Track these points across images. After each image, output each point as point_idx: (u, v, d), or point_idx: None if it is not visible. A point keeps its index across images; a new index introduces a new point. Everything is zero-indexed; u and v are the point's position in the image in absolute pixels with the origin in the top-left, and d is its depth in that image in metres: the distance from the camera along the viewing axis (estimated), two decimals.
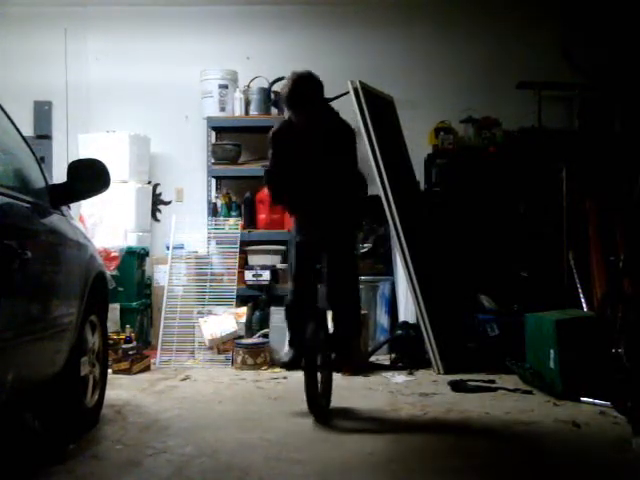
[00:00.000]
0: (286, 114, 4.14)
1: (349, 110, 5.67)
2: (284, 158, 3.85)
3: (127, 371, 4.88)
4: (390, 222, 5.16)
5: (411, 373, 4.91)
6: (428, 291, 5.09)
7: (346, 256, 3.97)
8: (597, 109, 5.94)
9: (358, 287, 4.17)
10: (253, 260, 5.87)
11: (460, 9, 6.31)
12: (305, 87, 3.72)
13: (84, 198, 3.49)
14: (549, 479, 2.92)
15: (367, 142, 5.50)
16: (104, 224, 5.71)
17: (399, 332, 5.29)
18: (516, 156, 5.75)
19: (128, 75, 6.36)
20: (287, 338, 4.09)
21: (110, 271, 5.20)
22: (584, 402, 4.01)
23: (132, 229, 5.87)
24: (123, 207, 5.83)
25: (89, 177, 3.16)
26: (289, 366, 4.09)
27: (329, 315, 4.01)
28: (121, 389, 4.39)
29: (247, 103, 5.99)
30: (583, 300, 5.06)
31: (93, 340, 3.52)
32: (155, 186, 6.41)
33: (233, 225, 5.80)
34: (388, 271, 5.64)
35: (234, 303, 5.50)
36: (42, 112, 6.36)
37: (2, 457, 3.08)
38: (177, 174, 6.40)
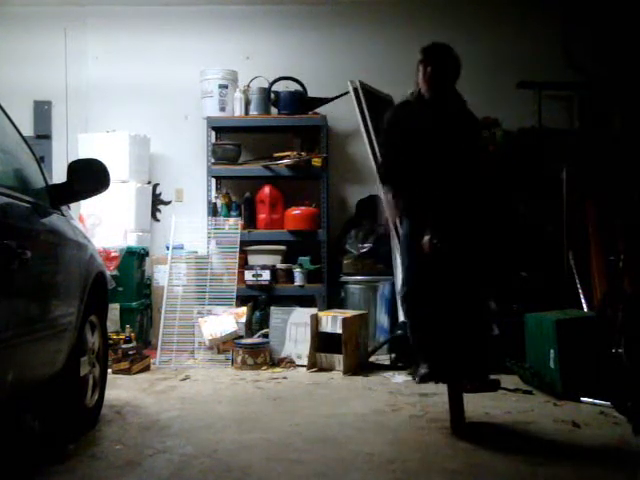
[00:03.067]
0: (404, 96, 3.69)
1: (349, 109, 5.71)
2: (403, 146, 3.44)
3: (127, 371, 4.88)
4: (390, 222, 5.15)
5: (411, 373, 4.91)
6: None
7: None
8: (597, 109, 5.94)
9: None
10: (253, 260, 5.87)
11: (460, 9, 6.31)
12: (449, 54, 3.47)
13: (84, 198, 3.49)
14: (549, 479, 2.92)
15: (367, 142, 5.52)
16: (104, 224, 5.71)
17: (399, 332, 5.27)
18: (516, 156, 5.74)
19: (128, 75, 6.37)
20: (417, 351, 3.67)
21: (110, 271, 5.20)
22: (584, 402, 4.01)
23: (132, 229, 5.87)
24: (123, 207, 5.83)
25: (89, 177, 3.16)
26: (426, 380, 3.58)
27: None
28: (121, 389, 4.39)
29: (247, 103, 5.99)
30: (583, 300, 5.06)
31: (93, 340, 3.52)
32: (155, 186, 6.41)
33: (233, 225, 5.79)
34: (388, 271, 5.64)
35: (234, 303, 5.50)
36: (42, 112, 6.36)
37: (2, 457, 3.08)
38: (177, 174, 6.40)
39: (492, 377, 3.55)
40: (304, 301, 5.69)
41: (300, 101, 5.92)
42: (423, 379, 3.52)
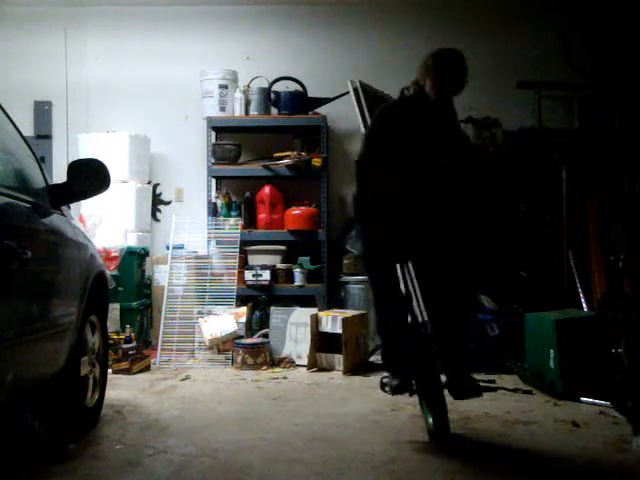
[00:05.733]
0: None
1: (349, 109, 5.70)
2: (390, 143, 3.41)
3: (127, 371, 4.88)
4: None
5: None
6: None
7: None
8: (597, 108, 5.94)
9: None
10: (253, 260, 5.88)
11: (461, 9, 6.31)
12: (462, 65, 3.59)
13: (84, 198, 3.48)
14: (549, 479, 2.92)
15: None
16: (104, 224, 5.72)
17: None
18: (516, 156, 5.75)
19: (128, 75, 6.37)
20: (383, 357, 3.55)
21: (110, 271, 5.20)
22: (584, 402, 4.01)
23: (132, 229, 5.88)
24: (123, 207, 5.83)
25: (89, 177, 3.16)
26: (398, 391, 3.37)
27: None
28: (121, 389, 4.39)
29: (247, 103, 5.99)
30: (583, 300, 5.07)
31: (93, 340, 3.52)
32: (155, 186, 6.42)
33: (233, 225, 5.80)
34: None
35: (234, 303, 5.50)
36: (42, 112, 6.36)
37: (2, 457, 3.08)
38: (177, 174, 6.40)
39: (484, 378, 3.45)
40: (304, 301, 5.70)
41: (300, 101, 5.92)
42: (396, 391, 3.32)
